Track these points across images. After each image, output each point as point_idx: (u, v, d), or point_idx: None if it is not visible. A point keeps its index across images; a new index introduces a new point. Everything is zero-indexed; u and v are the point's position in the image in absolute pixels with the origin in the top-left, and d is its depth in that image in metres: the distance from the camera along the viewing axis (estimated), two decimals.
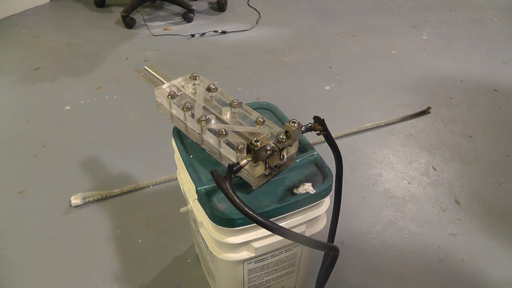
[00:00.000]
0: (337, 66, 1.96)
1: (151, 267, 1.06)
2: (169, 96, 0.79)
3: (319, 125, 0.73)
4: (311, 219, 0.74)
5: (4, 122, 1.55)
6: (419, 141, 1.52)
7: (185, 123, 0.79)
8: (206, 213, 0.69)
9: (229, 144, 0.72)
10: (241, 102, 0.79)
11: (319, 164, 0.76)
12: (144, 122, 1.54)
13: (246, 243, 0.71)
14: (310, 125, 0.74)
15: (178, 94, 0.81)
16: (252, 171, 0.68)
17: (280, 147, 0.68)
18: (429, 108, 1.67)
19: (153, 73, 0.88)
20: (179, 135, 0.82)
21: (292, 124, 0.68)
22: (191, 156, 0.77)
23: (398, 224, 1.18)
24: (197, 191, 0.70)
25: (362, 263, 1.07)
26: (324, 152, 0.80)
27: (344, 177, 0.79)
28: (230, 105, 0.78)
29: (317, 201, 0.72)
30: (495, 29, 2.42)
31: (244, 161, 0.65)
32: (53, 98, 1.68)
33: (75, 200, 1.20)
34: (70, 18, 2.37)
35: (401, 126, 1.59)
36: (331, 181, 0.73)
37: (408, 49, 2.15)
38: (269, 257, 0.78)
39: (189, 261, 1.07)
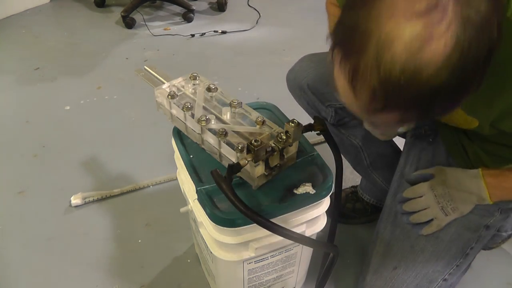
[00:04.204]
0: None
1: (151, 267, 1.05)
2: (169, 96, 0.79)
3: (319, 125, 0.73)
4: (311, 219, 0.74)
5: (4, 122, 1.55)
6: None
7: (185, 123, 0.79)
8: (206, 213, 0.69)
9: (229, 144, 0.72)
10: (241, 102, 0.79)
11: (319, 164, 0.76)
12: (144, 122, 1.54)
13: (246, 243, 0.71)
14: (310, 125, 0.74)
15: (178, 94, 0.81)
16: (252, 171, 0.68)
17: (280, 147, 0.68)
18: None
19: (153, 73, 0.88)
20: (179, 135, 0.82)
21: (292, 124, 0.68)
22: (191, 156, 0.77)
23: None
24: (197, 191, 0.70)
25: (362, 263, 1.06)
26: (324, 152, 0.80)
27: (344, 177, 0.79)
28: (230, 105, 0.78)
29: (317, 201, 0.72)
30: None
31: (244, 161, 0.65)
32: (53, 98, 1.68)
33: (75, 200, 1.20)
34: (70, 18, 2.36)
35: None
36: (331, 181, 0.73)
37: None
38: (269, 257, 0.78)
39: (189, 261, 1.07)
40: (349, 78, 0.46)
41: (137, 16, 2.28)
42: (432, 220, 0.78)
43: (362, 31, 0.43)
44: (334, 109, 0.96)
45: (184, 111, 0.76)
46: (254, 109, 0.80)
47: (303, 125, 0.71)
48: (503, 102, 0.59)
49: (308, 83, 0.98)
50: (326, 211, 0.76)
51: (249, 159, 0.65)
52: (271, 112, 0.87)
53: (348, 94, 0.48)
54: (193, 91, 0.84)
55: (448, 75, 0.42)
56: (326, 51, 0.97)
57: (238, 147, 0.68)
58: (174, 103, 0.79)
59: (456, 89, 0.44)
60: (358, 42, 0.43)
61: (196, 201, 0.72)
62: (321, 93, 0.97)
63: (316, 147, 0.80)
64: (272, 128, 0.75)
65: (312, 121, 0.74)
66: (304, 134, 0.74)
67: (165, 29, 2.22)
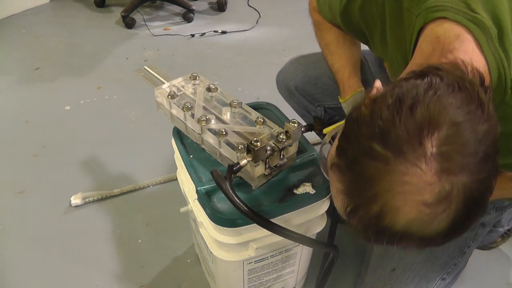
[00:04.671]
0: None
1: (151, 267, 1.05)
2: (169, 96, 0.79)
3: (319, 125, 0.74)
4: (311, 219, 0.74)
5: (4, 122, 1.55)
6: None
7: (185, 123, 0.79)
8: (206, 213, 0.69)
9: (229, 144, 0.72)
10: (241, 102, 0.79)
11: (319, 164, 0.76)
12: (144, 122, 1.54)
13: (246, 243, 0.71)
14: (310, 125, 0.74)
15: (178, 94, 0.81)
16: (252, 171, 0.68)
17: (280, 147, 0.68)
18: None
19: (153, 73, 0.88)
20: (179, 135, 0.82)
21: (292, 124, 0.68)
22: (191, 156, 0.77)
23: None
24: (197, 191, 0.70)
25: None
26: None
27: None
28: (230, 105, 0.78)
29: (317, 201, 0.72)
30: None
31: (244, 161, 0.65)
32: (53, 98, 1.68)
33: (75, 200, 1.20)
34: (70, 18, 2.36)
35: None
36: None
37: None
38: (269, 257, 0.78)
39: (189, 261, 1.07)
40: (346, 211, 0.46)
41: (137, 16, 2.28)
42: None
43: (371, 186, 0.43)
44: (324, 108, 0.97)
45: (184, 111, 0.76)
46: (254, 109, 0.80)
47: (303, 125, 0.71)
48: (500, 162, 0.62)
49: (296, 85, 0.99)
50: (326, 211, 0.76)
51: (249, 159, 0.65)
52: (271, 112, 0.87)
53: (342, 215, 0.48)
54: (193, 91, 0.84)
55: (441, 238, 0.44)
56: (315, 52, 0.98)
57: (238, 147, 0.68)
58: (174, 103, 0.79)
59: (448, 239, 0.46)
60: (364, 192, 0.43)
61: (196, 201, 0.72)
62: (310, 94, 0.98)
63: (316, 147, 0.79)
64: (272, 128, 0.75)
65: (311, 122, 0.75)
66: (304, 134, 0.74)
67: (165, 29, 2.22)
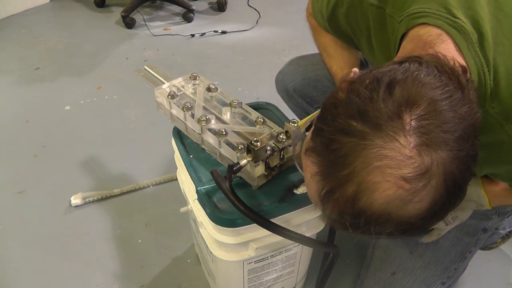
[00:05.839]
0: None
1: (151, 267, 1.05)
2: (169, 96, 0.79)
3: None
4: (311, 219, 0.74)
5: (4, 122, 1.55)
6: None
7: (185, 123, 0.79)
8: (206, 213, 0.69)
9: (229, 144, 0.72)
10: (241, 102, 0.79)
11: None
12: (144, 122, 1.54)
13: (246, 243, 0.71)
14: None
15: (178, 94, 0.81)
16: (252, 171, 0.68)
17: (280, 147, 0.68)
18: None
19: (153, 73, 0.88)
20: (179, 135, 0.82)
21: (292, 124, 0.68)
22: (191, 156, 0.77)
23: None
24: (197, 191, 0.70)
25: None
26: None
27: None
28: (230, 105, 0.78)
29: None
30: None
31: (244, 161, 0.65)
32: (53, 98, 1.68)
33: (75, 200, 1.20)
34: (70, 18, 2.36)
35: None
36: None
37: None
38: (269, 257, 0.78)
39: (189, 261, 1.07)
40: (321, 195, 0.44)
41: (137, 16, 2.27)
42: (432, 229, 0.78)
43: (347, 164, 0.41)
44: None
45: (184, 111, 0.76)
46: (254, 109, 0.80)
47: None
48: (487, 171, 0.63)
49: (294, 87, 0.99)
50: None
51: (249, 159, 0.65)
52: (271, 112, 0.87)
53: (316, 203, 0.47)
54: (193, 91, 0.84)
55: (420, 221, 0.43)
56: (314, 54, 0.99)
57: (238, 147, 0.68)
58: (174, 103, 0.79)
59: (428, 223, 0.45)
60: (340, 171, 0.42)
61: (196, 201, 0.72)
62: (309, 96, 0.98)
63: None
64: (272, 128, 0.75)
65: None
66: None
67: (165, 29, 2.22)
